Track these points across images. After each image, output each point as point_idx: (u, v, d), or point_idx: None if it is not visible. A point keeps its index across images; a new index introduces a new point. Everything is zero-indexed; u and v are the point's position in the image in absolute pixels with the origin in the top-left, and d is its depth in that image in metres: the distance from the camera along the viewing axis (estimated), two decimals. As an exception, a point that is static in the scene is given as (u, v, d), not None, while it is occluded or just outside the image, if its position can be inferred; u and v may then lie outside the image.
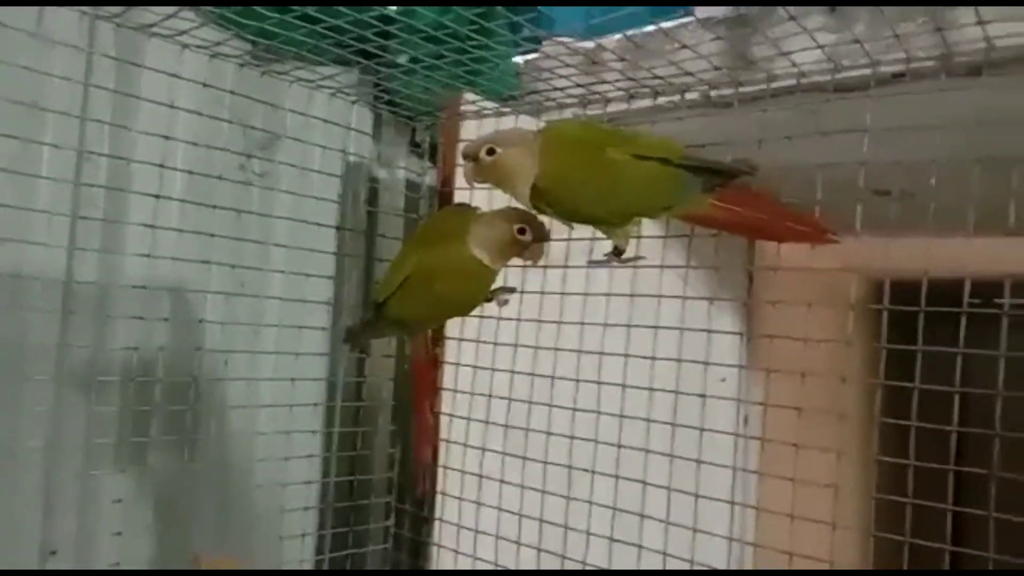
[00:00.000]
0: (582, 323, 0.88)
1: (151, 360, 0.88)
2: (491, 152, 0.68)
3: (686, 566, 0.80)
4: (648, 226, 0.71)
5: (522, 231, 0.71)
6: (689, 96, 0.85)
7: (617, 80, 0.85)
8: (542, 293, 0.91)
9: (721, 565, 0.80)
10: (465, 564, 0.94)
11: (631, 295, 0.85)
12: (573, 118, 0.83)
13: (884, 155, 0.71)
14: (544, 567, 0.89)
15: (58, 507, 0.83)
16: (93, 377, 0.84)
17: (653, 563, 0.82)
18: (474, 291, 0.75)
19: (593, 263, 0.76)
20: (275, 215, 0.97)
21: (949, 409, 0.66)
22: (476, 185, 0.72)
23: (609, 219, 0.70)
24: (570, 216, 0.71)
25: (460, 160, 0.72)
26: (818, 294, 0.74)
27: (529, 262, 0.73)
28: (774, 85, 0.79)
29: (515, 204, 0.71)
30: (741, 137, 0.77)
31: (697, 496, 0.80)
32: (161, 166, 0.86)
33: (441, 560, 0.96)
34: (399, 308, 0.75)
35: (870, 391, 0.72)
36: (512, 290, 0.79)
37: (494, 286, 0.76)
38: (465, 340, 0.97)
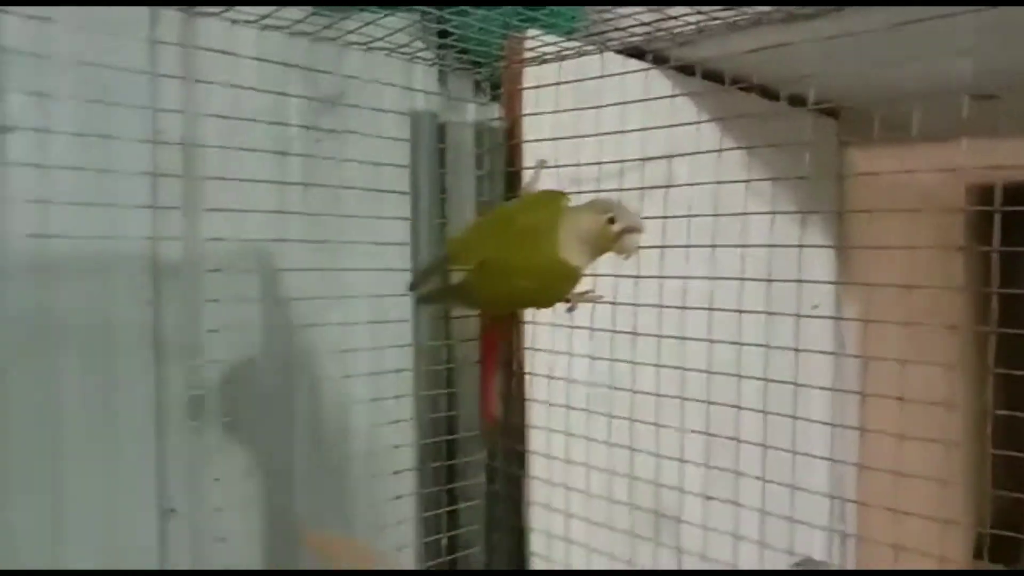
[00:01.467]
0: (662, 246, 0.83)
1: (249, 339, 0.91)
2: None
3: (786, 493, 0.77)
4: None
5: (613, 221, 0.68)
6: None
7: (685, 15, 0.78)
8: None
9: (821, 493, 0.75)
10: (558, 519, 0.95)
11: (714, 215, 0.80)
12: None
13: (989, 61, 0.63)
14: (637, 522, 0.89)
15: (170, 473, 0.89)
16: (194, 357, 0.88)
17: (752, 491, 0.79)
18: (557, 292, 0.73)
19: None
20: (347, 186, 0.97)
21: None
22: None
23: None
24: None
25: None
26: (916, 201, 0.68)
27: (623, 255, 0.70)
28: None
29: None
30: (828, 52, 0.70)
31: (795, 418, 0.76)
32: (236, 148, 0.87)
33: (535, 512, 0.97)
34: (472, 288, 0.73)
35: (983, 301, 0.65)
36: (599, 297, 0.77)
37: (580, 288, 0.74)
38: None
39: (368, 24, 0.91)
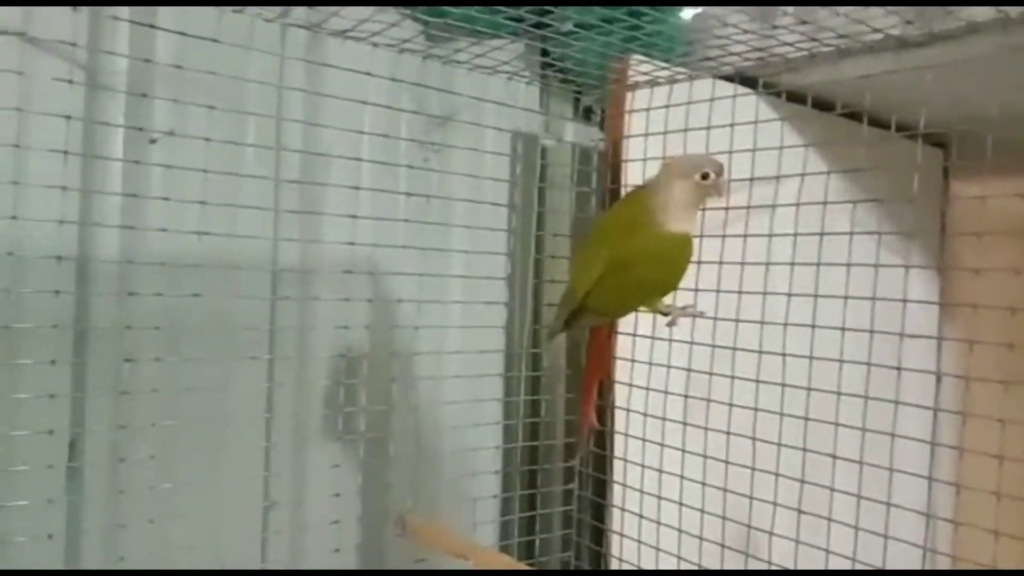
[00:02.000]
0: (764, 293, 0.86)
1: (357, 338, 0.96)
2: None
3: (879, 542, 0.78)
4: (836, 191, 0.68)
5: (704, 176, 0.70)
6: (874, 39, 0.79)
7: (797, 40, 0.81)
8: (720, 263, 0.90)
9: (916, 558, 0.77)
10: (646, 526, 0.97)
11: (817, 263, 0.82)
12: None
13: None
14: (727, 535, 0.90)
15: (279, 468, 0.93)
16: (306, 355, 0.93)
17: (844, 543, 0.80)
18: (679, 267, 0.75)
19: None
20: (453, 197, 1.02)
21: None
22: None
23: None
24: None
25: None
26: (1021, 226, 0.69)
27: (717, 198, 0.73)
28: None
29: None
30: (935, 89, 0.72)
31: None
32: (352, 159, 0.93)
33: (620, 523, 0.99)
34: (601, 301, 0.77)
35: None
36: (701, 314, 0.79)
37: (681, 303, 0.76)
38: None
39: (475, 44, 0.96)
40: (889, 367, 0.78)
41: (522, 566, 0.83)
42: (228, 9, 0.84)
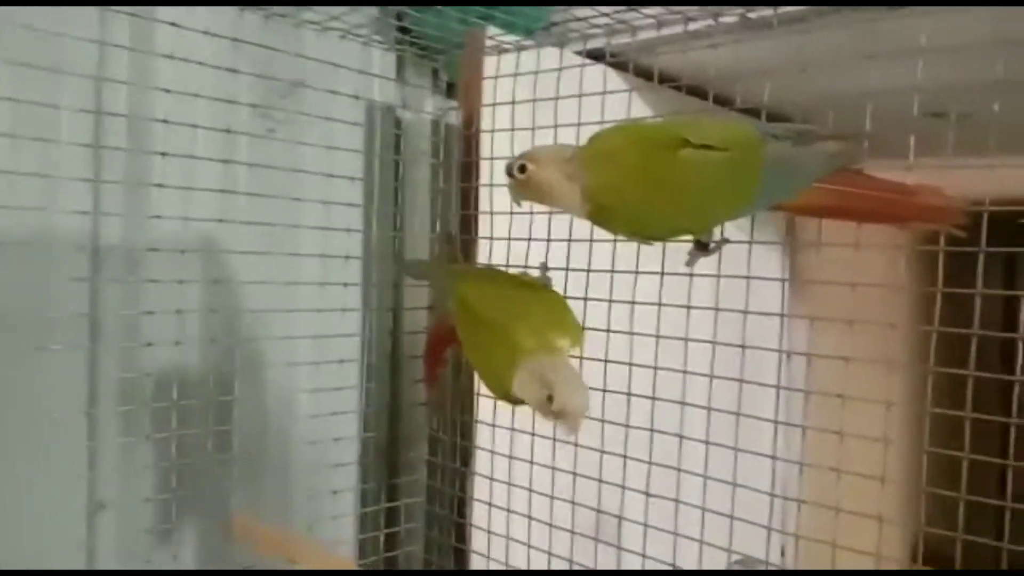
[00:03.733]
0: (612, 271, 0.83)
1: (191, 325, 0.88)
2: (523, 169, 0.64)
3: (726, 524, 0.77)
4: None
5: None
6: (724, 20, 0.78)
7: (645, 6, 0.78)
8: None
9: (761, 538, 0.76)
10: (498, 517, 0.93)
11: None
12: (617, 125, 0.72)
13: (940, 77, 0.64)
14: (579, 519, 0.87)
15: (105, 469, 0.85)
16: (132, 342, 0.85)
17: (693, 520, 0.79)
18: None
19: (691, 261, 0.69)
20: (300, 169, 0.95)
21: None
22: (521, 204, 0.70)
23: (692, 228, 0.64)
24: (641, 232, 0.65)
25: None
26: (863, 234, 0.68)
27: None
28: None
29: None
30: (781, 64, 0.71)
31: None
32: (183, 124, 0.85)
33: (475, 515, 0.95)
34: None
35: (923, 339, 0.66)
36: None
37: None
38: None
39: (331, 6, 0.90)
40: (735, 345, 0.77)
41: (352, 566, 0.78)
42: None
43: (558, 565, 0.89)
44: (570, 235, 0.84)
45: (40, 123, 0.78)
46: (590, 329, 0.77)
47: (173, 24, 0.83)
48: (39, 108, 0.77)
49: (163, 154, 0.84)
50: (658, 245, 0.71)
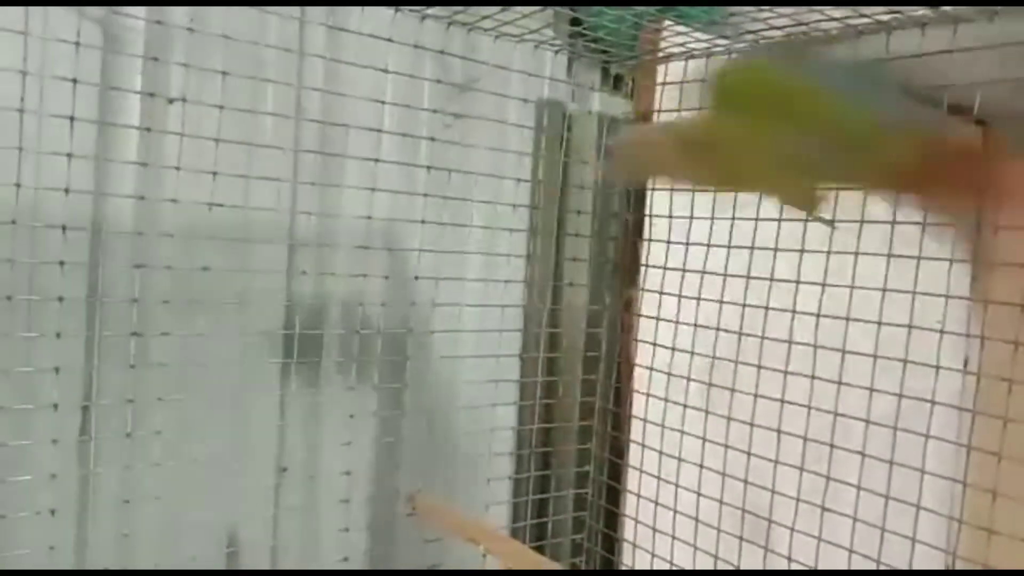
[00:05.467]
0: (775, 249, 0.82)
1: (371, 314, 0.93)
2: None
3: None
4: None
5: None
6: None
7: (844, 16, 0.76)
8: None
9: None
10: (661, 515, 0.94)
11: (855, 252, 0.78)
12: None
13: None
14: (737, 526, 0.88)
15: (291, 444, 0.92)
16: (319, 330, 0.91)
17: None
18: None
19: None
20: (474, 171, 0.98)
21: None
22: None
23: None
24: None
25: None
26: None
27: None
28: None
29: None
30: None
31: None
32: (371, 129, 0.89)
33: (633, 508, 0.97)
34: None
35: None
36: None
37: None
38: (666, 294, 0.95)
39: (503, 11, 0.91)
40: (917, 363, 0.74)
41: (532, 553, 0.81)
42: (245, -30, 0.80)
43: (703, 562, 0.90)
44: (753, 243, 0.84)
45: (242, 127, 0.83)
46: (775, 340, 0.77)
47: (371, 36, 0.87)
48: (240, 114, 0.83)
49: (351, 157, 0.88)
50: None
